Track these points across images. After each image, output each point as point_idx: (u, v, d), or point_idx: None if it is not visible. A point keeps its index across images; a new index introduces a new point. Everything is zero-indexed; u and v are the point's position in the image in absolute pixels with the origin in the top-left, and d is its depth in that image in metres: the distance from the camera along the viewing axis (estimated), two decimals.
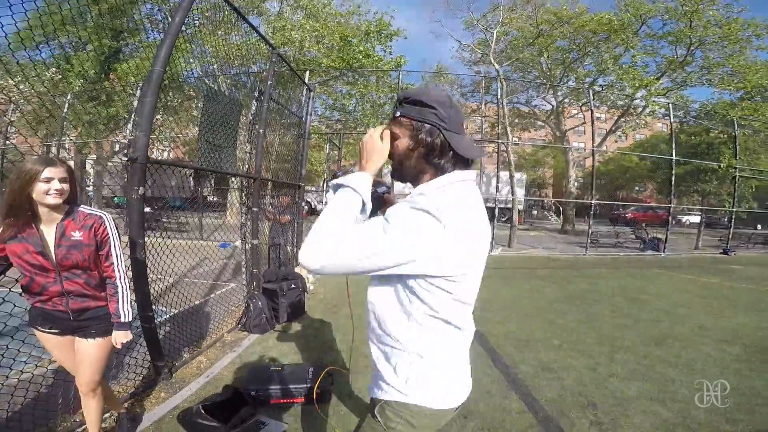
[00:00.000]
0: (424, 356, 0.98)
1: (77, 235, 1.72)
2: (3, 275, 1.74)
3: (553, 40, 17.62)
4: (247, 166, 4.62)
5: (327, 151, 14.08)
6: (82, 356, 1.83)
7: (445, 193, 0.94)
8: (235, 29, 4.15)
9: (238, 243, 8.24)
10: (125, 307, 1.83)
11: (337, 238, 0.85)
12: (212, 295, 4.99)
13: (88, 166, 13.40)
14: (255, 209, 4.29)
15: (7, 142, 12.64)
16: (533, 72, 20.68)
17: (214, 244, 7.92)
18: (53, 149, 13.12)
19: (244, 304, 4.19)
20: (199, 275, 5.76)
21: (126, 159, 2.56)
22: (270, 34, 13.78)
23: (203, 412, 2.22)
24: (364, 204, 0.95)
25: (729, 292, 6.90)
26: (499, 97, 14.08)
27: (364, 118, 16.56)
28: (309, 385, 2.58)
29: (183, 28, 3.04)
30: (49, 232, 1.69)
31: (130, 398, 2.52)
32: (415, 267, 0.88)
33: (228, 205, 13.64)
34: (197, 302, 4.44)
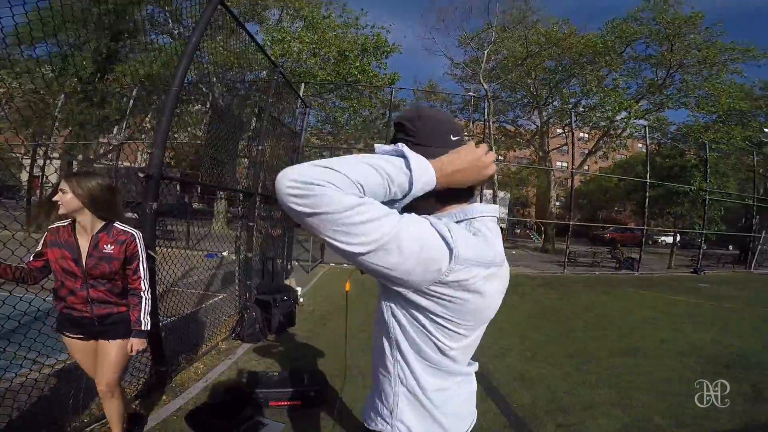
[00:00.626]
0: (412, 391, 0.88)
1: (108, 249, 1.91)
2: (37, 283, 1.92)
3: (541, 61, 18.45)
4: (245, 180, 4.84)
5: None
6: (103, 358, 2.00)
7: (467, 231, 0.80)
8: (234, 36, 4.26)
9: (225, 253, 8.34)
10: (146, 316, 2.01)
11: (340, 183, 0.62)
12: (204, 305, 5.15)
13: (74, 168, 13.30)
14: (251, 224, 4.52)
15: None
16: (520, 92, 21.55)
17: (201, 254, 8.03)
18: (40, 149, 12.97)
19: (237, 314, 4.39)
20: (188, 285, 5.88)
21: (142, 175, 2.78)
22: (269, 44, 14.05)
23: (210, 412, 2.43)
24: (408, 193, 0.72)
25: (693, 309, 7.36)
26: (486, 115, 14.64)
27: (356, 133, 16.94)
28: (305, 389, 2.81)
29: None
30: (84, 242, 1.90)
31: (134, 400, 2.69)
32: (397, 280, 0.72)
33: (215, 213, 13.73)
34: (190, 311, 4.61)
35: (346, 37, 15.56)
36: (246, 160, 5.26)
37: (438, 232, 0.71)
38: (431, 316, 0.78)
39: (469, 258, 0.73)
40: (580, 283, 10.37)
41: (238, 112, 5.19)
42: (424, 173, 0.72)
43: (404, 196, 0.72)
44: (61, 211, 1.84)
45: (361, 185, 0.65)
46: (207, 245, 8.13)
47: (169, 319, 3.67)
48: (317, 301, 6.03)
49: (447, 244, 0.70)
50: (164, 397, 2.84)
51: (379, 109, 16.22)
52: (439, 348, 0.83)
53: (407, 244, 0.67)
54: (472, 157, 0.79)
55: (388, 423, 0.91)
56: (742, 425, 2.92)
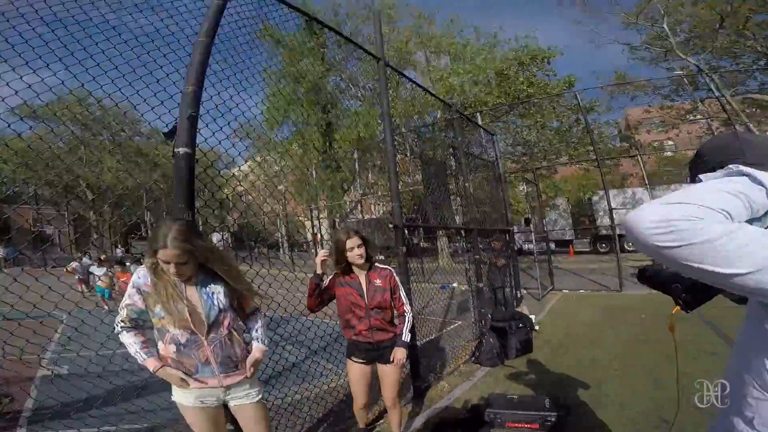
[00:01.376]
0: None
1: (378, 282, 2.40)
2: (324, 306, 2.45)
3: (746, 18, 13.26)
4: (462, 217, 5.30)
5: (524, 189, 13.98)
6: (385, 379, 2.44)
7: None
8: (400, 86, 4.73)
9: (455, 284, 9.00)
10: (407, 331, 2.43)
11: (701, 214, 0.66)
12: (444, 331, 5.74)
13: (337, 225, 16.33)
14: (477, 256, 4.89)
15: (281, 208, 16.58)
16: (746, 55, 15.69)
17: (436, 287, 8.90)
18: (312, 212, 16.94)
19: (476, 340, 4.72)
20: (430, 313, 6.62)
21: (391, 226, 3.51)
22: (430, 85, 14.74)
23: (453, 426, 2.74)
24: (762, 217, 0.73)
25: None
26: (717, 90, 11.26)
27: (551, 147, 15.75)
28: (545, 414, 2.76)
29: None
30: (361, 279, 2.40)
31: None
32: None
33: (438, 250, 15.07)
34: (433, 336, 5.25)
35: (495, 58, 15.19)
36: (458, 198, 5.71)
37: None
38: None
39: None
40: None
41: (433, 154, 5.76)
42: None
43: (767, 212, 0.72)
44: (360, 261, 2.34)
45: (726, 212, 0.67)
46: (439, 278, 8.88)
47: (420, 342, 4.31)
48: (554, 329, 5.72)
49: None
50: (417, 409, 3.31)
51: (570, 116, 14.78)
52: None
53: None
54: None
55: None
56: None
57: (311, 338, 2.99)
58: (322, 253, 2.34)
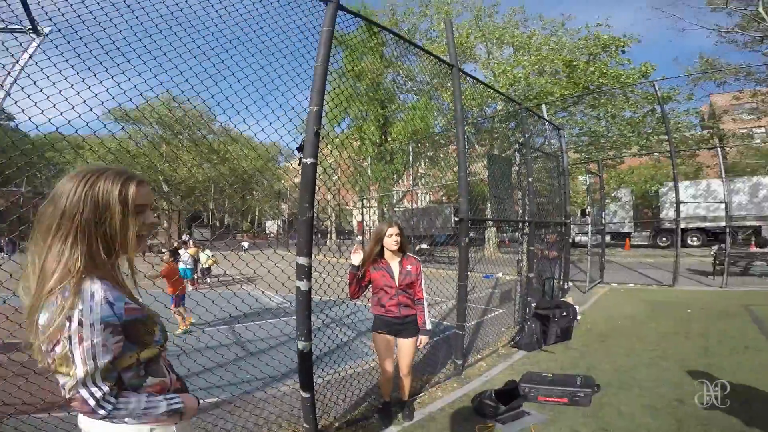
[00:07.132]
0: None
1: (410, 268, 2.86)
2: (363, 291, 2.86)
3: None
4: (520, 210, 5.50)
5: (586, 180, 13.45)
6: (403, 350, 2.86)
7: None
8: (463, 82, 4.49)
9: (500, 274, 9.28)
10: (428, 319, 2.87)
11: None
12: (486, 317, 6.15)
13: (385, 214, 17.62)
14: (531, 248, 5.18)
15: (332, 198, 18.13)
16: None
17: (478, 275, 9.27)
18: (363, 202, 17.96)
19: (518, 325, 5.08)
20: (471, 300, 6.94)
21: (457, 219, 3.83)
22: (492, 79, 14.73)
23: (487, 397, 3.08)
24: None
25: None
26: None
27: (621, 138, 15.01)
28: (575, 390, 3.10)
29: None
30: (394, 265, 2.84)
31: (433, 386, 3.66)
32: None
33: (485, 240, 15.28)
34: (476, 321, 5.67)
35: (563, 47, 14.67)
36: (519, 191, 5.73)
37: None
38: None
39: None
40: None
41: (491, 146, 5.75)
42: None
43: None
44: (395, 248, 2.81)
45: None
46: (481, 268, 9.24)
47: (465, 324, 4.72)
48: (595, 320, 5.93)
49: None
50: (455, 385, 3.73)
51: (643, 106, 14.09)
52: None
53: None
54: None
55: None
56: None
57: (357, 321, 3.46)
58: (356, 248, 2.79)
